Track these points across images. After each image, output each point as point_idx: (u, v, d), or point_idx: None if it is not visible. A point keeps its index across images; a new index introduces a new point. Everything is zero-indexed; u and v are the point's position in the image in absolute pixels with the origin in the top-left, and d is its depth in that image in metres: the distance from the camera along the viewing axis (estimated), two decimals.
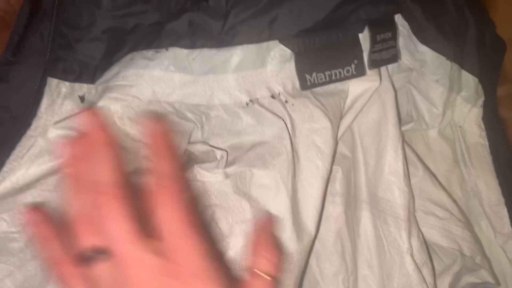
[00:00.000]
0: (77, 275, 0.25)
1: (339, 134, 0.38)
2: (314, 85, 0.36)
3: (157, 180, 0.25)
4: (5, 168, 0.35)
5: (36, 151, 0.35)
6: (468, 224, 0.41)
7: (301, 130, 0.36)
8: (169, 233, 0.25)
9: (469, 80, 0.42)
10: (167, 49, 0.35)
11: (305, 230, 0.35)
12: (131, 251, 0.24)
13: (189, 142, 0.36)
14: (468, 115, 0.43)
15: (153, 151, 0.27)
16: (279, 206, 0.34)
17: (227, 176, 0.35)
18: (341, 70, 0.36)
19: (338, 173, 0.39)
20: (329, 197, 0.39)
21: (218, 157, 0.35)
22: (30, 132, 0.36)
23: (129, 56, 0.36)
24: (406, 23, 0.39)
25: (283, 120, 0.35)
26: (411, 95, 0.42)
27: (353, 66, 0.36)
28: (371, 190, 0.39)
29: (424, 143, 0.44)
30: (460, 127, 0.44)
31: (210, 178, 0.34)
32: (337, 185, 0.40)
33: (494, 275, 0.39)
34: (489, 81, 0.43)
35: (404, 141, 0.41)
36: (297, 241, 0.34)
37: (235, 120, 0.36)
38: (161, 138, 0.27)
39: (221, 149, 0.35)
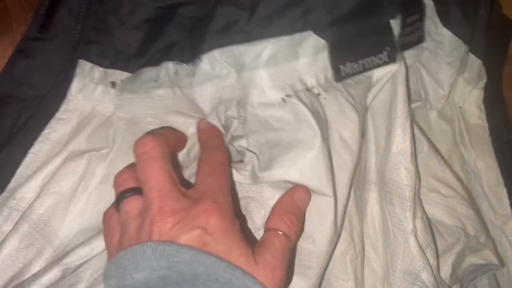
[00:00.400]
0: (112, 215, 0.30)
1: None
2: (348, 76, 0.33)
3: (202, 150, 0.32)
4: (32, 150, 0.34)
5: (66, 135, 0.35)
6: (472, 203, 0.41)
7: (331, 124, 0.33)
8: (200, 176, 0.29)
9: (473, 62, 0.41)
10: (200, 59, 0.32)
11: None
12: (159, 187, 0.27)
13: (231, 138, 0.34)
14: (468, 96, 0.43)
15: (202, 137, 0.34)
16: (320, 205, 0.32)
17: (256, 180, 0.32)
18: (373, 58, 0.34)
19: None
20: None
21: (246, 159, 0.33)
22: (59, 115, 0.35)
23: (171, 67, 0.34)
24: (431, 3, 0.37)
25: (319, 114, 0.33)
26: (419, 75, 0.41)
27: (385, 53, 0.34)
28: (380, 170, 0.38)
29: (425, 123, 0.43)
30: (460, 107, 0.43)
31: (236, 178, 0.33)
32: None
33: (498, 256, 0.40)
34: (494, 63, 0.43)
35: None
36: (331, 238, 0.32)
37: (271, 117, 0.33)
38: (208, 129, 0.34)
39: (252, 152, 0.33)
